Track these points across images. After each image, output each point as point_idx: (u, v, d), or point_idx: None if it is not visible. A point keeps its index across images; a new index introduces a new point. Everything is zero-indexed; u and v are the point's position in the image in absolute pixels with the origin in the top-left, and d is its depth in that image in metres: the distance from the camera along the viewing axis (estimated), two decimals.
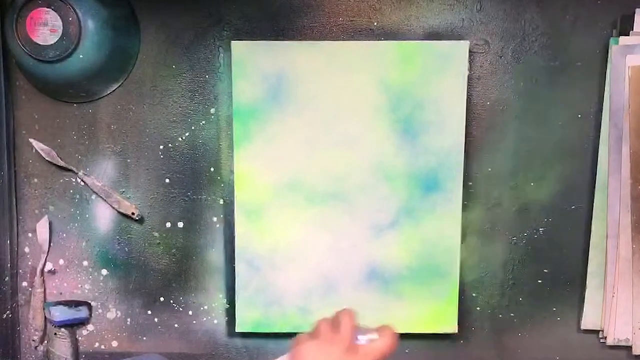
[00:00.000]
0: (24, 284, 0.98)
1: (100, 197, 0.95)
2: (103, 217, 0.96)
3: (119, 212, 0.95)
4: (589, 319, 0.93)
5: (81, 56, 0.86)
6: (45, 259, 0.96)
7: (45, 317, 0.97)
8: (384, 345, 0.68)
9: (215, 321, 0.97)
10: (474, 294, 0.95)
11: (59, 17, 0.85)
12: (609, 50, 0.88)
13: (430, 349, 0.97)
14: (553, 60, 0.91)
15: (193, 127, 0.94)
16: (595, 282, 0.92)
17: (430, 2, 0.90)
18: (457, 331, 0.94)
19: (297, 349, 0.67)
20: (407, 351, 0.96)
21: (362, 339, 0.68)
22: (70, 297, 0.97)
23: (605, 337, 0.93)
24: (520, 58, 0.91)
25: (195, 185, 0.95)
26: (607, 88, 0.89)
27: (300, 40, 0.91)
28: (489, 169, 0.93)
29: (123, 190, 0.95)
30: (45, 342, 0.97)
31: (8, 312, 0.96)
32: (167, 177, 0.95)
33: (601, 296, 0.92)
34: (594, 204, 0.91)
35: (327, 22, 0.91)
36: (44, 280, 0.97)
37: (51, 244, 0.96)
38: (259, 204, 0.92)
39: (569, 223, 0.93)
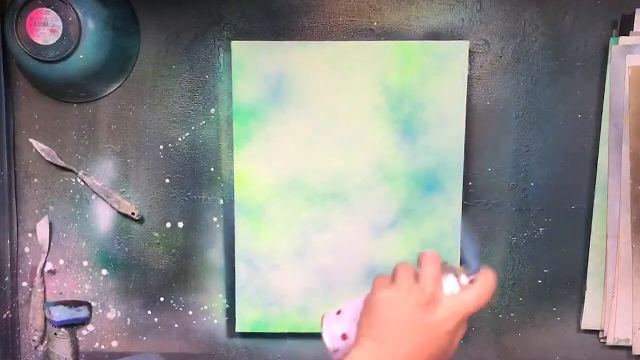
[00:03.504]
0: (24, 284, 0.98)
1: (100, 197, 0.95)
2: (103, 217, 0.96)
3: (119, 212, 0.95)
4: (589, 319, 0.93)
5: (81, 56, 0.86)
6: (45, 259, 0.96)
7: (45, 317, 0.97)
8: (476, 297, 0.57)
9: (215, 321, 0.97)
10: None
11: (59, 17, 0.85)
12: (609, 50, 0.88)
13: None
14: (553, 60, 0.91)
15: (193, 127, 0.94)
16: (595, 282, 0.92)
17: (430, 2, 0.90)
18: None
19: (371, 297, 0.59)
20: None
21: (449, 286, 0.57)
22: (70, 297, 0.97)
23: (605, 337, 0.93)
24: (520, 58, 0.91)
25: (195, 185, 0.95)
26: (607, 88, 0.89)
27: (300, 40, 0.91)
28: (489, 169, 0.93)
29: (123, 190, 0.95)
30: (45, 342, 0.97)
31: (8, 312, 0.96)
32: (167, 177, 0.95)
33: (601, 296, 0.92)
34: (594, 204, 0.91)
35: (327, 22, 0.91)
36: (44, 280, 0.97)
37: (51, 244, 0.96)
38: (259, 204, 0.92)
39: (569, 223, 0.93)
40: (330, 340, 0.62)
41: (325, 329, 0.63)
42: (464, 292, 0.57)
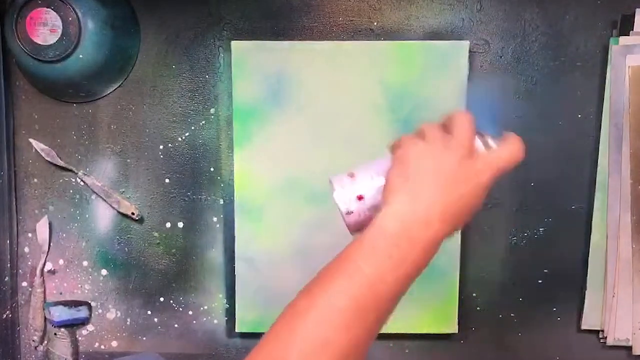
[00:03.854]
0: (24, 284, 0.97)
1: (100, 197, 0.95)
2: (103, 217, 0.96)
3: (119, 212, 0.95)
4: (589, 319, 0.93)
5: (81, 56, 0.86)
6: (45, 259, 0.96)
7: (45, 317, 0.97)
8: (508, 153, 0.57)
9: (215, 321, 0.97)
10: (474, 294, 0.95)
11: (58, 17, 0.85)
12: (609, 50, 0.88)
13: (430, 349, 0.96)
14: (553, 60, 0.91)
15: (193, 127, 0.94)
16: (596, 282, 0.92)
17: (430, 2, 0.90)
18: (457, 331, 0.94)
19: (404, 151, 0.57)
20: (407, 351, 0.96)
21: (481, 146, 0.57)
22: (70, 297, 0.97)
23: (606, 337, 0.93)
24: (521, 58, 0.91)
25: (195, 185, 0.95)
26: (607, 88, 0.89)
27: (300, 40, 0.91)
28: None
29: (123, 190, 0.95)
30: (45, 342, 0.97)
31: (8, 312, 0.96)
32: (167, 177, 0.95)
33: (601, 296, 0.92)
34: (594, 204, 0.91)
35: (327, 22, 0.91)
36: (43, 281, 0.97)
37: (51, 244, 0.96)
38: (259, 204, 0.92)
39: (569, 223, 0.93)
40: (345, 202, 0.59)
41: (337, 190, 0.60)
42: (497, 150, 0.57)
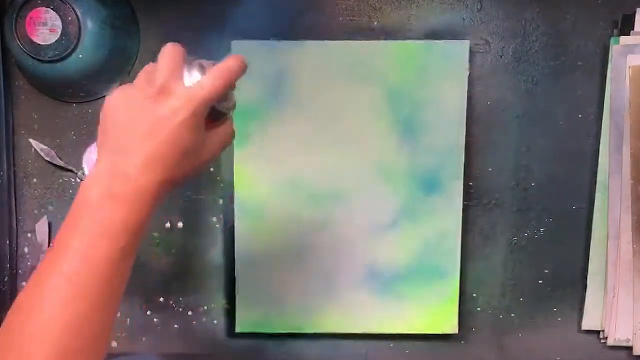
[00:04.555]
0: (23, 284, 0.97)
1: None
2: None
3: None
4: (590, 319, 0.93)
5: (80, 56, 0.86)
6: None
7: None
8: (212, 78, 0.54)
9: (215, 321, 0.97)
10: (474, 294, 0.95)
11: (58, 17, 0.84)
12: (610, 50, 0.88)
13: (430, 350, 0.96)
14: (553, 60, 0.91)
15: None
16: (596, 282, 0.92)
17: (430, 1, 0.90)
18: (457, 332, 0.94)
19: (102, 108, 0.55)
20: (407, 352, 0.96)
21: (193, 79, 0.54)
22: None
23: (606, 338, 0.93)
24: (521, 58, 0.91)
25: (195, 185, 0.95)
26: (607, 88, 0.89)
27: (300, 40, 0.91)
28: (489, 169, 0.93)
29: None
30: None
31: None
32: None
33: (602, 296, 0.92)
34: (595, 204, 0.91)
35: (327, 22, 0.91)
36: None
37: (50, 244, 0.96)
38: (259, 204, 0.92)
39: (569, 223, 0.93)
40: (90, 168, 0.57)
41: (84, 159, 0.59)
42: (200, 79, 0.54)
